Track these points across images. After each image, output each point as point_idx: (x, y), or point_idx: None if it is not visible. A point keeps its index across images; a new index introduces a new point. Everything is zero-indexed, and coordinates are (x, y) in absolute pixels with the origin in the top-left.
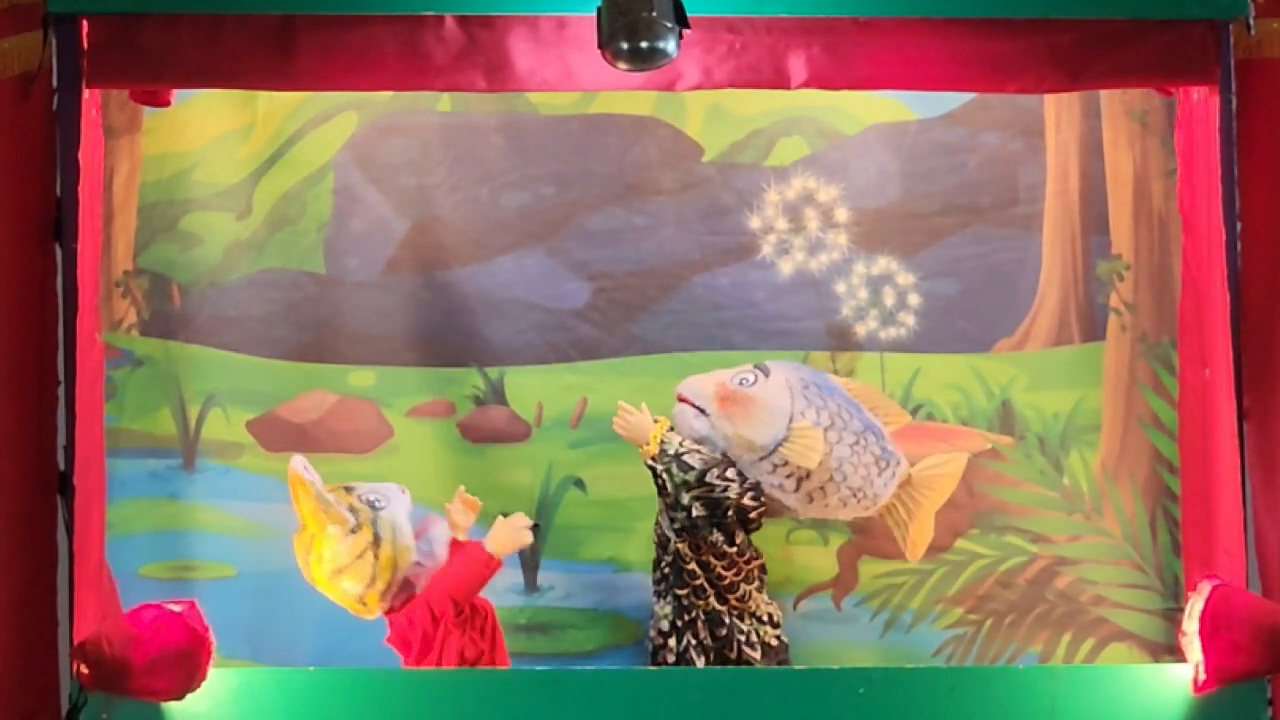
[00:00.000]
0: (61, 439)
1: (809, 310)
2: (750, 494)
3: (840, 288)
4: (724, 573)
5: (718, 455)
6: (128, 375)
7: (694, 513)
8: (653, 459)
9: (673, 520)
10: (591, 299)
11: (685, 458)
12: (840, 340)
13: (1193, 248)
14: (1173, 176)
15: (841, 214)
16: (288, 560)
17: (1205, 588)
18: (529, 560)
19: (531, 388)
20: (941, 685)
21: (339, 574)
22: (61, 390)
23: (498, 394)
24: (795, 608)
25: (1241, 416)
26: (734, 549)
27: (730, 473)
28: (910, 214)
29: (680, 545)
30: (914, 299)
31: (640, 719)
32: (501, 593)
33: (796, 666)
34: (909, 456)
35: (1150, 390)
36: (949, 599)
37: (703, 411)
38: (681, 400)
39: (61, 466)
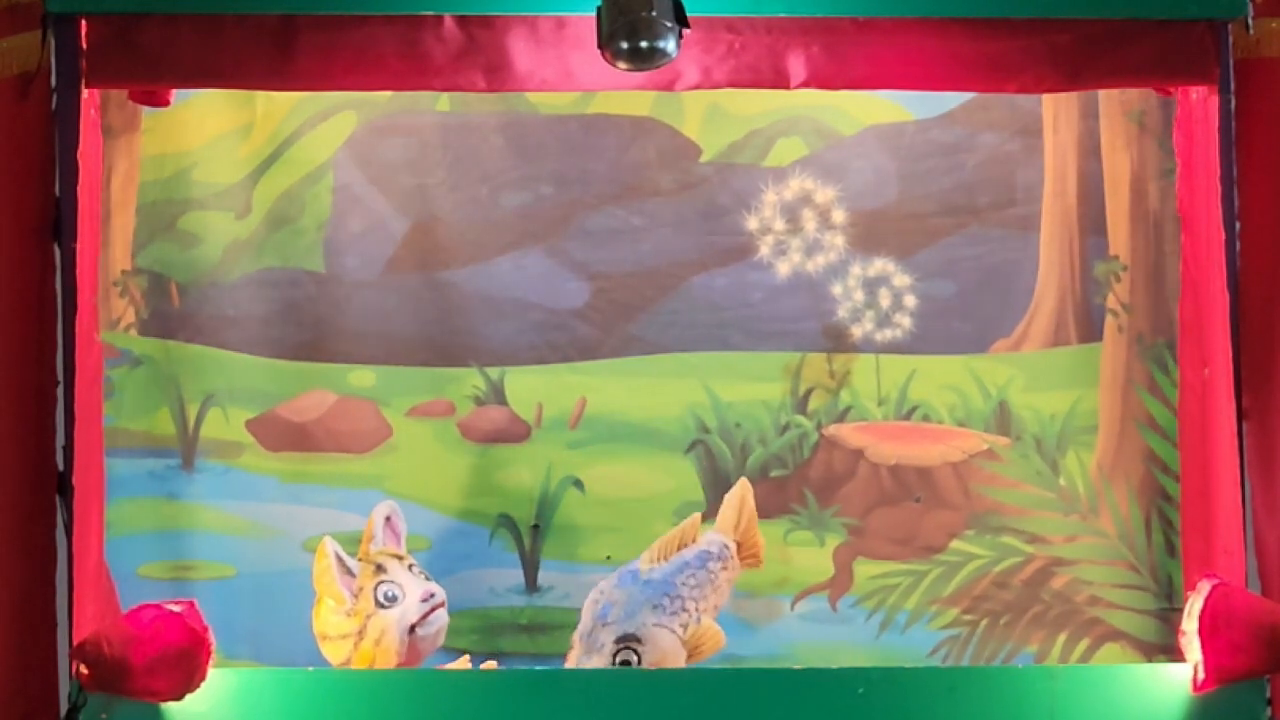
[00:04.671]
0: (60, 439)
1: (805, 311)
2: None
3: (836, 289)
4: None
5: None
6: (126, 375)
7: None
8: None
9: None
10: (591, 299)
11: None
12: (836, 341)
13: (1192, 247)
14: (1169, 177)
15: (839, 215)
16: (287, 560)
17: (1205, 587)
18: (529, 560)
19: (531, 388)
20: (941, 685)
21: (323, 640)
22: (60, 390)
23: (498, 394)
24: (792, 608)
25: (1241, 416)
26: None
27: None
28: (907, 215)
29: None
30: (910, 300)
31: (638, 719)
32: (502, 593)
33: (796, 666)
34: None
35: (1146, 392)
36: (944, 599)
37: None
38: None
39: (61, 466)
